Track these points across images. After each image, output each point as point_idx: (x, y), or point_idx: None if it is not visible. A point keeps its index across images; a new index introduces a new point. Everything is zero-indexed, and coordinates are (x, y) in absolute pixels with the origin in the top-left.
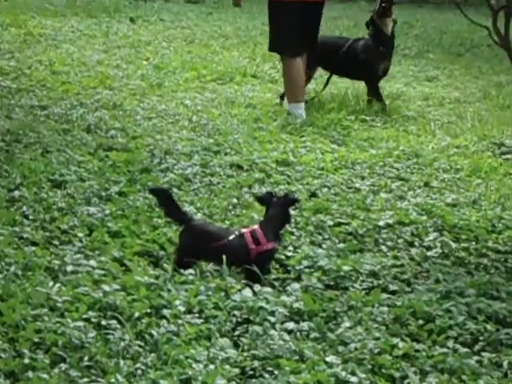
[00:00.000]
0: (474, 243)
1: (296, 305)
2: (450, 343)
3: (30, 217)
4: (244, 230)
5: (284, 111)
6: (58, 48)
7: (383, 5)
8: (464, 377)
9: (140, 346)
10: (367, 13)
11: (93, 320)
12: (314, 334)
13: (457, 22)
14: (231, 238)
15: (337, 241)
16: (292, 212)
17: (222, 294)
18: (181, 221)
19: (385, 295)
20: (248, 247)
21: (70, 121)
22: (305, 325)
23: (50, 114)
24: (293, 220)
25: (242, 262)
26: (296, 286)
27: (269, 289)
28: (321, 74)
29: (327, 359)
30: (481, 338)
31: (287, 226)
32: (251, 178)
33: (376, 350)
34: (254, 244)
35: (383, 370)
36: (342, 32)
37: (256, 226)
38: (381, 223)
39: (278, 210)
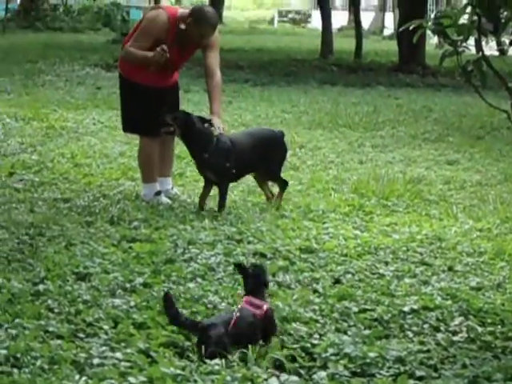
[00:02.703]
0: (499, 327)
1: None
2: None
3: (55, 310)
4: (240, 306)
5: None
6: (80, 140)
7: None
8: None
9: None
10: (386, 98)
11: None
12: None
13: (476, 105)
14: (237, 314)
15: (362, 327)
16: (316, 299)
17: (248, 383)
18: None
19: (412, 381)
20: (255, 314)
21: (93, 213)
22: None
23: (73, 206)
24: (317, 307)
25: (258, 330)
26: (322, 374)
27: (295, 377)
28: None
29: None
30: None
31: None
32: (275, 265)
33: None
34: (257, 309)
35: None
36: (362, 118)
37: (246, 297)
38: (406, 309)
39: (256, 278)
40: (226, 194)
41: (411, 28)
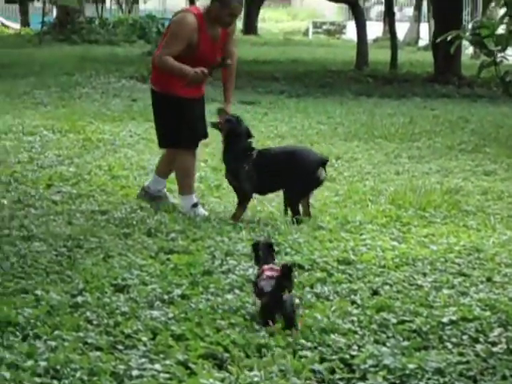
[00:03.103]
0: None
1: None
2: None
3: (94, 322)
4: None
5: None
6: (117, 152)
7: None
8: None
9: None
10: (422, 109)
11: None
12: None
13: None
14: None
15: (401, 339)
16: (354, 311)
17: None
18: None
19: None
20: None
21: (131, 225)
22: None
23: (111, 218)
24: (356, 319)
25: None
26: None
27: None
28: None
29: None
30: None
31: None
32: (313, 277)
33: None
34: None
35: None
36: (398, 129)
37: (266, 266)
38: (444, 320)
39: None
40: (244, 203)
41: (448, 39)
